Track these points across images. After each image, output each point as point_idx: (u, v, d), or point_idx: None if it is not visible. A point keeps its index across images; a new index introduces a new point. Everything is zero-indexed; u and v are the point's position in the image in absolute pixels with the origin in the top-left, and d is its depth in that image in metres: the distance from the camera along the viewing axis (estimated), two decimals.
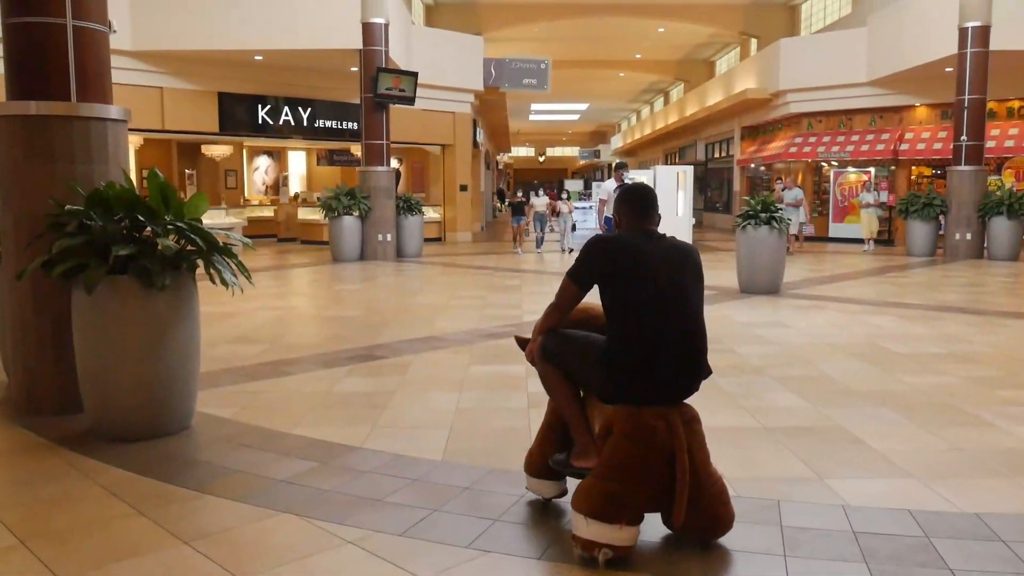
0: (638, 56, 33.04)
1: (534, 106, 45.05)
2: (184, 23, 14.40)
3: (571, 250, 15.55)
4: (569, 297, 2.98)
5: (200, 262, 4.13)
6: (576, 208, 18.12)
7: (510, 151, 52.12)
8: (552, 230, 19.30)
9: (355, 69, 15.42)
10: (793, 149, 20.40)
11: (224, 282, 4.13)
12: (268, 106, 17.19)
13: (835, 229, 19.90)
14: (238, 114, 16.87)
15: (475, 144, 22.47)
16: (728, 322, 7.82)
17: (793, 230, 15.11)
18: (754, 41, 28.09)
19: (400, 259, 15.25)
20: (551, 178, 70.31)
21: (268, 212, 22.00)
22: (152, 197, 4.04)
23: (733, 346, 6.59)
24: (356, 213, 14.91)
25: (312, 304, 9.57)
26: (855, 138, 19.73)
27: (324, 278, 12.40)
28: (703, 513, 2.80)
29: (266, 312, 8.55)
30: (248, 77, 16.55)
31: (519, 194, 18.35)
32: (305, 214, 19.51)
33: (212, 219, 16.81)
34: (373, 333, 7.27)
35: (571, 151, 73.70)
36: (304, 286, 11.58)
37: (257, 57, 15.67)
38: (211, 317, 7.70)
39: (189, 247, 4.09)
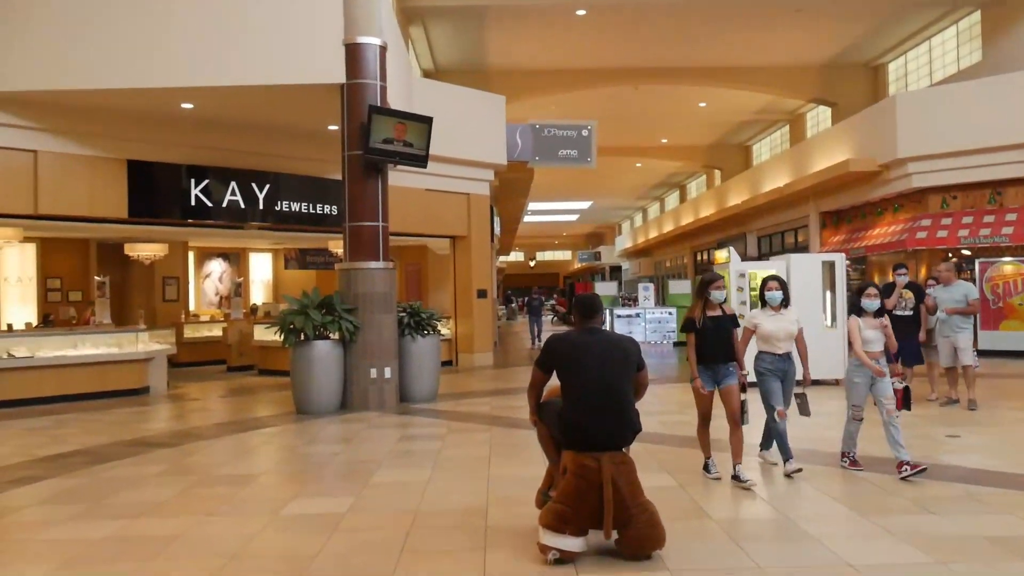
0: (664, 141, 28.66)
1: (531, 205, 40.46)
2: (71, 51, 9.12)
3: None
4: (537, 380, 4.33)
5: None
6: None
7: (509, 253, 47.10)
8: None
9: (334, 128, 10.21)
10: (922, 235, 15.28)
11: None
12: (205, 180, 11.61)
13: (985, 339, 14.52)
14: (159, 192, 11.24)
15: (492, 236, 17.20)
16: None
17: (967, 359, 8.79)
18: (816, 113, 23.60)
19: (406, 407, 9.58)
20: (542, 283, 65.72)
21: (217, 331, 16.43)
22: None
23: None
24: (335, 335, 9.38)
25: None
26: (1011, 217, 14.70)
27: (275, 467, 6.69)
28: (633, 533, 3.86)
29: None
30: (174, 138, 11.09)
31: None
32: (265, 334, 14.03)
33: (120, 347, 11.18)
34: None
35: (563, 255, 69.40)
36: (229, 496, 5.73)
37: (186, 105, 10.33)
38: None
39: None
